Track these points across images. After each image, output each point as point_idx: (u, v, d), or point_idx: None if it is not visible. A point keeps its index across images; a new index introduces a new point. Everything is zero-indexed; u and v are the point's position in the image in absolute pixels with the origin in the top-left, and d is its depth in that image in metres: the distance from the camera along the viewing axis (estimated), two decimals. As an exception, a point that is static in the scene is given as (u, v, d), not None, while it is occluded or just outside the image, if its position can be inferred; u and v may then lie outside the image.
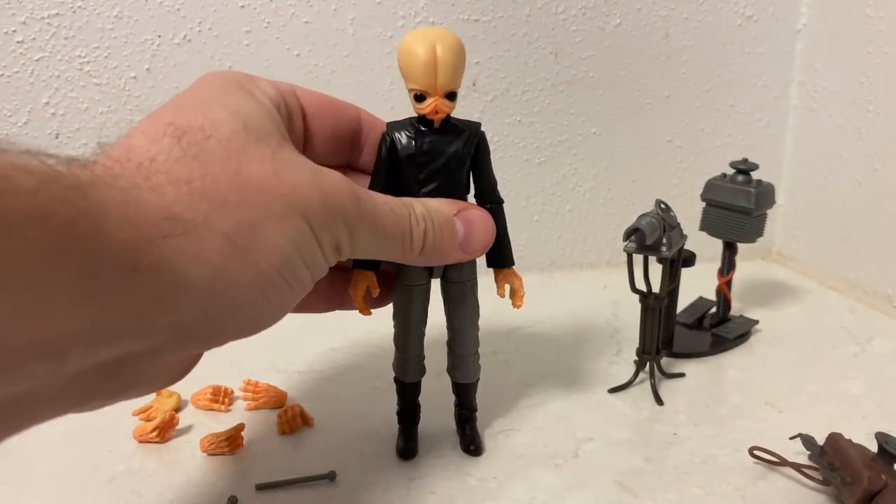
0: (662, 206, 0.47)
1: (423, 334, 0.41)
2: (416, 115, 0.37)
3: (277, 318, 0.28)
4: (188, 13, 0.62)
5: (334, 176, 0.29)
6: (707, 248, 0.59)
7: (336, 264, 0.33)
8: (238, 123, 0.28)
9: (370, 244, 0.31)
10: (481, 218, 0.36)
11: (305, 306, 0.37)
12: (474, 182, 0.39)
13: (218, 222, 0.24)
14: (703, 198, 0.58)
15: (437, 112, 0.35)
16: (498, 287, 0.40)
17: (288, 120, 0.33)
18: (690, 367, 0.53)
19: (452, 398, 0.43)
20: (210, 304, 0.24)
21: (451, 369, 0.42)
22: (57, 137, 0.62)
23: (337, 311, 0.41)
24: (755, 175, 0.57)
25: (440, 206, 0.35)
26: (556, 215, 0.74)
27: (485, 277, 0.40)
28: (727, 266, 0.59)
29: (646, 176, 0.75)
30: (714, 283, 0.60)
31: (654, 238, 0.46)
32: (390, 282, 0.39)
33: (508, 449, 0.43)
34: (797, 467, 0.39)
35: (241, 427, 0.43)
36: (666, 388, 0.50)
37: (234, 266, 0.24)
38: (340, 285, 0.38)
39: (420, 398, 0.43)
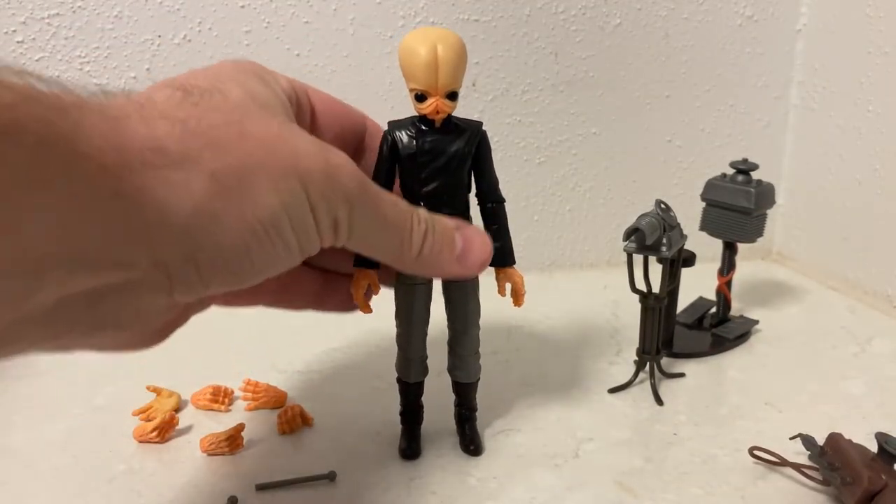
0: (662, 206, 0.47)
1: (426, 334, 0.41)
2: (417, 114, 0.37)
3: (258, 278, 0.27)
4: (188, 13, 0.62)
5: (341, 154, 0.29)
6: (707, 248, 0.59)
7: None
8: (247, 96, 0.28)
9: (369, 230, 0.30)
10: (480, 235, 0.36)
11: (252, 297, 0.36)
12: (475, 181, 0.39)
13: (208, 162, 0.24)
14: (703, 198, 0.58)
15: (437, 112, 0.35)
16: (499, 286, 0.40)
17: (297, 115, 0.33)
18: (690, 367, 0.53)
19: (453, 398, 0.43)
20: (191, 241, 0.23)
21: (452, 369, 0.42)
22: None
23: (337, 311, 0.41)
24: (755, 175, 0.57)
25: (442, 217, 0.35)
26: (556, 215, 0.74)
27: (485, 277, 0.40)
28: (727, 266, 0.59)
29: (646, 176, 0.75)
30: (714, 283, 0.60)
31: (654, 238, 0.46)
32: (385, 275, 0.39)
33: (508, 449, 0.43)
34: (797, 467, 0.39)
35: (241, 427, 0.43)
36: (666, 388, 0.50)
37: (217, 206, 0.24)
38: (291, 280, 0.37)
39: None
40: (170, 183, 0.22)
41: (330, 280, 0.39)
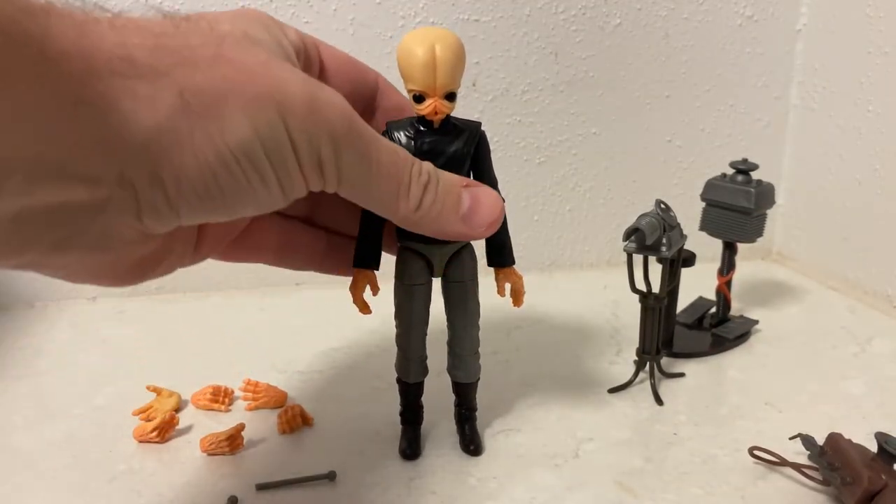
0: (662, 206, 0.47)
1: (426, 334, 0.41)
2: (415, 115, 0.37)
3: (234, 212, 0.26)
4: (188, 13, 0.62)
5: (333, 92, 0.27)
6: (707, 248, 0.59)
7: (298, 211, 0.30)
8: (239, 32, 0.26)
9: (361, 175, 0.28)
10: (490, 195, 0.34)
11: (252, 252, 0.35)
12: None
13: (178, 79, 0.23)
14: (703, 198, 0.58)
15: (436, 113, 0.35)
16: (498, 286, 0.40)
17: (304, 68, 0.32)
18: (690, 367, 0.53)
19: (453, 398, 0.43)
20: (155, 160, 0.22)
21: (452, 369, 0.42)
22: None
23: (338, 311, 0.41)
24: (755, 175, 0.57)
25: (449, 173, 0.33)
26: (556, 215, 0.74)
27: (485, 277, 0.40)
28: (727, 266, 0.59)
29: (646, 176, 0.75)
30: (714, 283, 0.60)
31: (654, 238, 0.46)
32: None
33: (508, 449, 0.43)
34: (797, 467, 0.39)
35: (241, 427, 0.43)
36: (666, 388, 0.50)
37: (182, 126, 0.23)
38: (294, 237, 0.37)
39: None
40: (135, 95, 0.22)
41: (333, 241, 0.38)
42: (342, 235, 0.39)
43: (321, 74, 0.34)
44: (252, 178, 0.25)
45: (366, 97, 0.38)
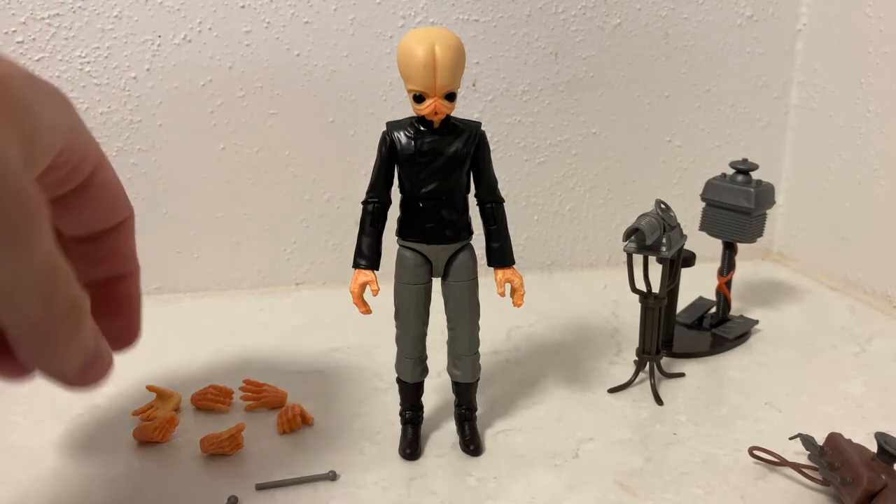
0: (662, 206, 0.47)
1: (425, 334, 0.41)
2: (415, 115, 0.37)
3: None
4: (188, 13, 0.62)
5: (17, 131, 0.19)
6: (707, 248, 0.59)
7: None
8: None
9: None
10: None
11: None
12: (474, 181, 0.39)
13: None
14: (703, 198, 0.58)
15: (436, 113, 0.35)
16: (498, 286, 0.40)
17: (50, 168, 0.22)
18: (690, 367, 0.53)
19: (453, 398, 0.43)
20: None
21: (452, 368, 0.42)
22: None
23: (338, 311, 0.40)
24: (755, 175, 0.57)
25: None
26: (556, 215, 0.74)
27: (485, 277, 0.40)
28: (727, 266, 0.59)
29: (646, 176, 0.75)
30: (714, 283, 0.60)
31: (654, 238, 0.46)
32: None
33: (508, 449, 0.43)
34: (797, 467, 0.39)
35: (241, 427, 0.42)
36: (666, 388, 0.50)
37: None
38: None
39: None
40: None
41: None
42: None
43: (82, 189, 0.25)
44: None
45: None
